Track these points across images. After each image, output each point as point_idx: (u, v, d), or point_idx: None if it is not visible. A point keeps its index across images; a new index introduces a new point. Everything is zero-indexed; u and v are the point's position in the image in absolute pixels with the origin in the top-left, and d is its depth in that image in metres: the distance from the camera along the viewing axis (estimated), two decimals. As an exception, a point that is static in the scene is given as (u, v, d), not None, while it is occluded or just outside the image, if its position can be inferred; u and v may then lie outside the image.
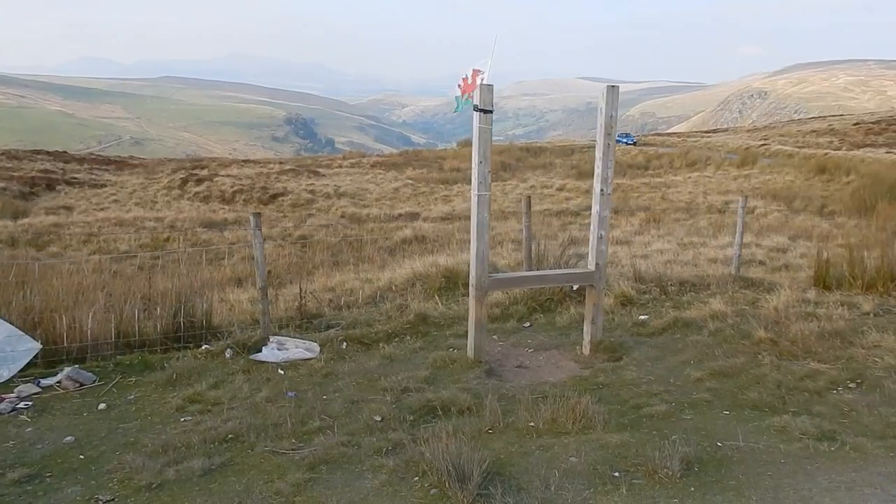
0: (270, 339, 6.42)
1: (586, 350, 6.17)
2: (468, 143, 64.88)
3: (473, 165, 5.52)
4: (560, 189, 33.98)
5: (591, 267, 6.05)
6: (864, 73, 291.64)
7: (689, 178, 38.82)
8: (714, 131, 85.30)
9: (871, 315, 6.97)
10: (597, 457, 3.84)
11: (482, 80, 5.50)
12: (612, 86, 5.73)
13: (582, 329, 6.83)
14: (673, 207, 26.97)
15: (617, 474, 3.64)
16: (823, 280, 9.19)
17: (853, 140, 56.32)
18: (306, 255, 15.42)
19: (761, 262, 12.97)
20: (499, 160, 46.68)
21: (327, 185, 35.50)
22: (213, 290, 9.62)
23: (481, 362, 5.80)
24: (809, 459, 3.76)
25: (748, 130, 76.25)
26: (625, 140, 56.07)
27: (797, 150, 51.66)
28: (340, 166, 45.08)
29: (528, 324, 7.26)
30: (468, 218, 20.50)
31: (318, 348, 6.39)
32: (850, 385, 4.81)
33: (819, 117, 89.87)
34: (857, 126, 62.52)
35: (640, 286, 8.32)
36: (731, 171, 41.09)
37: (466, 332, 6.82)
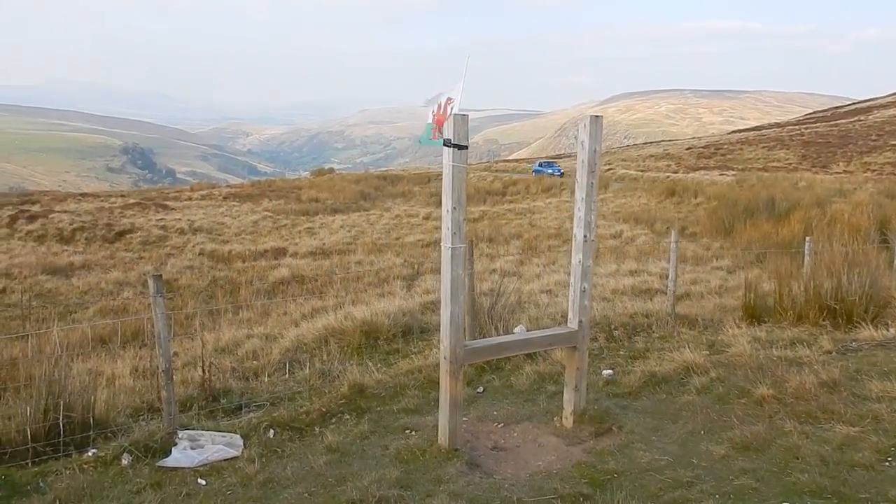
0: (179, 435, 5.01)
1: (568, 422, 5.27)
2: (322, 172, 63.32)
3: (445, 211, 4.50)
4: (427, 218, 33.35)
5: (574, 325, 5.18)
6: (682, 102, 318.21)
7: (550, 203, 39.58)
8: (559, 157, 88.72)
9: (835, 353, 6.60)
10: None
11: (453, 108, 4.52)
12: (596, 116, 4.92)
13: (549, 393, 5.98)
14: (544, 234, 27.04)
15: None
16: (752, 312, 8.95)
17: (688, 163, 60.31)
18: (175, 304, 13.57)
19: (662, 292, 12.75)
20: (357, 189, 45.69)
21: (179, 219, 32.82)
22: (78, 358, 7.93)
23: (457, 450, 4.75)
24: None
25: (592, 155, 79.92)
26: (550, 170, 55.59)
27: (641, 173, 54.56)
28: (190, 199, 42.13)
29: (480, 388, 6.28)
30: (343, 252, 19.16)
31: (240, 441, 5.07)
32: (897, 454, 4.21)
33: (654, 142, 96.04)
34: (690, 150, 67.17)
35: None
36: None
37: (416, 406, 5.80)
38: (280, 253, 23.33)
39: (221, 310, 12.29)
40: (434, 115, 5.21)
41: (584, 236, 5.01)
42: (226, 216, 34.79)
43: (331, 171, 65.50)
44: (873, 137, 58.94)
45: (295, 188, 46.50)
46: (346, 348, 7.60)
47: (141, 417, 5.49)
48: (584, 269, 5.07)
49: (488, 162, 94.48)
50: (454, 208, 4.46)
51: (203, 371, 6.22)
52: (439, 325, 8.62)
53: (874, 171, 47.51)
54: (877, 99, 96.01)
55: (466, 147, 4.43)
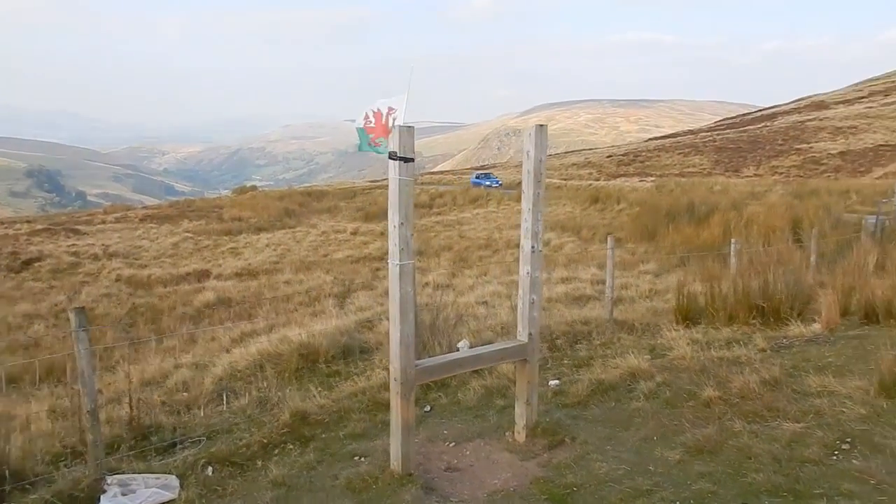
0: (108, 481, 4.66)
1: (520, 436, 5.17)
2: (244, 190, 61.99)
3: (391, 227, 4.36)
4: (354, 233, 33.00)
5: (523, 338, 5.10)
6: (600, 112, 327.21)
7: (478, 214, 39.82)
8: (484, 167, 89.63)
9: (769, 351, 6.75)
10: None
11: (396, 119, 4.39)
12: (541, 125, 4.87)
13: (498, 407, 5.89)
14: (474, 245, 27.14)
15: None
16: (686, 315, 9.10)
17: (609, 171, 61.88)
18: (93, 336, 12.86)
19: (597, 299, 12.90)
20: (281, 206, 44.90)
21: (93, 244, 31.43)
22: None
23: (411, 475, 4.58)
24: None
25: (515, 165, 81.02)
26: (488, 182, 54.85)
27: (564, 181, 55.55)
28: (104, 222, 40.47)
29: (427, 407, 6.12)
30: (270, 272, 18.67)
31: (177, 482, 4.75)
32: (844, 447, 4.28)
33: (575, 151, 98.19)
34: (610, 158, 68.97)
35: (530, 344, 7.52)
36: (512, 205, 42.76)
37: (364, 430, 5.61)
38: (203, 275, 22.60)
39: (144, 339, 11.75)
40: (367, 121, 5.06)
41: (532, 247, 4.94)
42: (143, 239, 33.58)
43: (253, 188, 64.23)
44: (779, 142, 61.89)
45: (216, 207, 45.32)
46: (283, 373, 7.31)
47: (63, 464, 5.06)
48: (532, 281, 5.00)
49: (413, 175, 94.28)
50: (401, 224, 4.32)
51: (130, 407, 5.84)
52: (379, 344, 8.49)
53: (781, 173, 49.85)
54: (780, 106, 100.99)
55: (413, 160, 4.30)
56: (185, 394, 7.11)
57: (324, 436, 5.52)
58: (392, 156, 4.29)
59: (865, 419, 4.58)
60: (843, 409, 4.74)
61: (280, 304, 14.89)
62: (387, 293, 14.95)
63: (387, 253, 17.38)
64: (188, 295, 17.41)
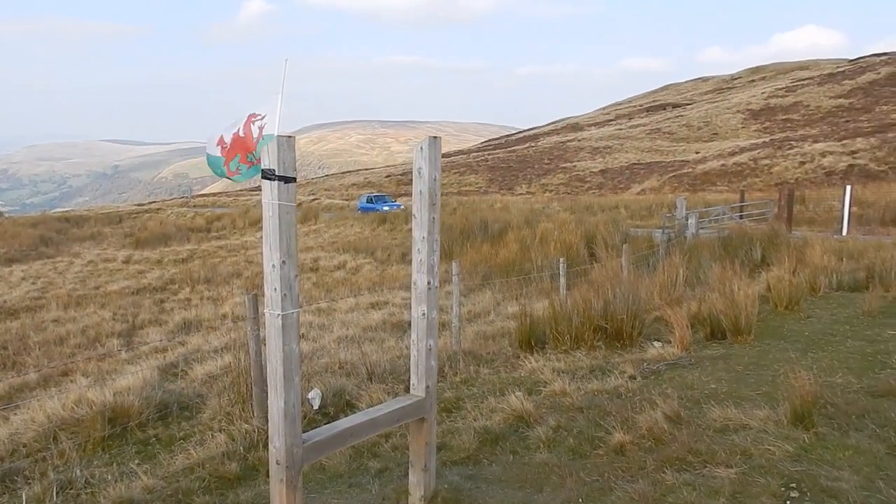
0: None
1: (418, 511, 4.27)
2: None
3: (269, 267, 3.29)
4: (126, 262, 29.61)
5: (420, 393, 4.21)
6: (370, 132, 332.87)
7: (261, 237, 37.78)
8: (258, 189, 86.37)
9: (640, 379, 6.46)
10: None
11: (264, 128, 3.32)
12: (435, 137, 4.04)
13: (374, 472, 4.93)
14: (258, 270, 25.41)
15: None
16: (528, 340, 8.70)
17: (389, 190, 62.29)
18: None
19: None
20: (35, 233, 39.63)
21: None
22: None
23: (302, 588, 3.49)
24: None
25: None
26: (386, 206, 44.41)
27: (346, 202, 54.98)
28: None
29: (287, 481, 4.98)
30: (32, 310, 15.76)
31: None
32: (794, 495, 3.88)
33: (353, 171, 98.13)
34: (389, 178, 69.63)
35: (387, 386, 6.61)
36: (300, 227, 41.27)
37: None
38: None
39: None
40: (219, 144, 3.93)
41: (429, 283, 4.08)
42: None
43: (-3, 214, 56.22)
44: (546, 161, 66.32)
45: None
46: (85, 444, 5.73)
47: None
48: (429, 323, 4.13)
49: (184, 197, 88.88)
50: (283, 262, 3.26)
51: None
52: (198, 396, 7.08)
53: (552, 191, 53.26)
54: (540, 127, 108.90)
55: (295, 179, 3.27)
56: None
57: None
58: (267, 174, 3.24)
59: (797, 458, 4.25)
60: (769, 447, 4.40)
61: (53, 347, 12.49)
62: (181, 327, 13.06)
63: (170, 282, 15.31)
64: None
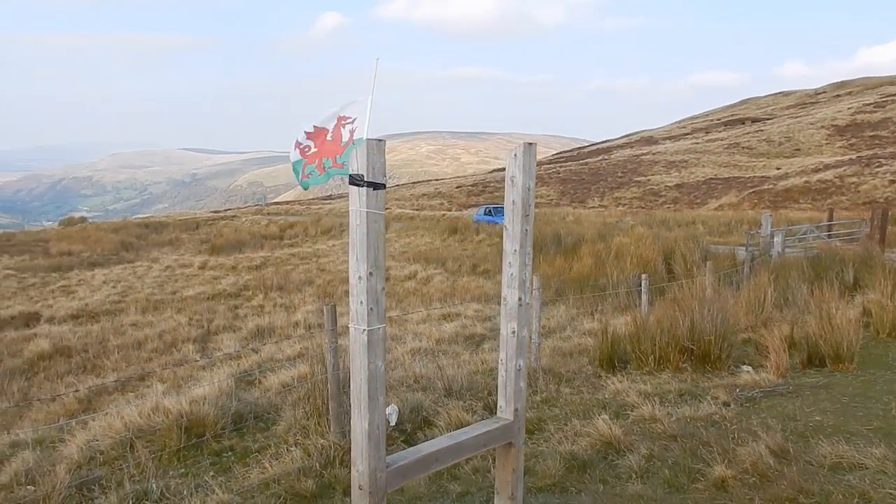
0: None
1: (503, 543, 4.00)
2: (72, 222, 56.30)
3: (356, 278, 3.10)
4: (202, 267, 30.34)
5: (508, 416, 3.95)
6: (440, 143, 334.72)
7: (333, 245, 38.18)
8: (329, 197, 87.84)
9: (735, 406, 6.03)
10: None
11: (353, 131, 3.14)
12: (530, 143, 3.80)
13: (454, 496, 4.68)
14: (336, 279, 25.57)
15: None
16: (610, 359, 8.33)
17: (459, 201, 62.23)
18: None
19: (491, 338, 12.02)
20: (117, 239, 41.12)
21: None
22: None
23: None
24: None
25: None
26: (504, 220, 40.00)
27: (417, 212, 55.13)
28: None
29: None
30: (112, 313, 16.20)
31: None
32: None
33: (424, 181, 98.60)
34: (460, 188, 69.54)
35: (465, 403, 6.37)
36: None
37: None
38: (32, 319, 19.50)
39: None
40: (302, 148, 3.78)
41: (520, 299, 3.84)
42: (-50, 277, 29.04)
43: (82, 219, 58.72)
44: (619, 174, 65.13)
45: (41, 241, 40.65)
46: (160, 454, 5.68)
47: None
48: (519, 342, 3.88)
49: (258, 205, 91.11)
50: (370, 273, 3.07)
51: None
52: (273, 407, 6.99)
53: (625, 204, 52.21)
54: (613, 140, 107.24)
55: (384, 185, 3.07)
56: (30, 488, 5.28)
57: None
58: (355, 180, 3.05)
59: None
60: (890, 491, 3.97)
61: (131, 351, 12.74)
62: (254, 334, 13.04)
63: (244, 289, 15.32)
64: (15, 343, 14.64)
